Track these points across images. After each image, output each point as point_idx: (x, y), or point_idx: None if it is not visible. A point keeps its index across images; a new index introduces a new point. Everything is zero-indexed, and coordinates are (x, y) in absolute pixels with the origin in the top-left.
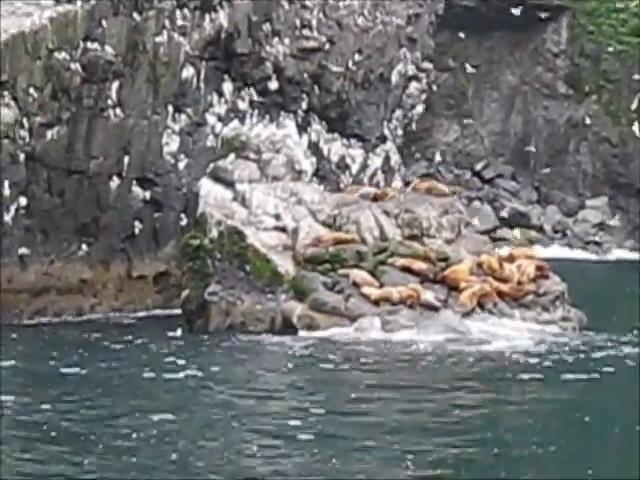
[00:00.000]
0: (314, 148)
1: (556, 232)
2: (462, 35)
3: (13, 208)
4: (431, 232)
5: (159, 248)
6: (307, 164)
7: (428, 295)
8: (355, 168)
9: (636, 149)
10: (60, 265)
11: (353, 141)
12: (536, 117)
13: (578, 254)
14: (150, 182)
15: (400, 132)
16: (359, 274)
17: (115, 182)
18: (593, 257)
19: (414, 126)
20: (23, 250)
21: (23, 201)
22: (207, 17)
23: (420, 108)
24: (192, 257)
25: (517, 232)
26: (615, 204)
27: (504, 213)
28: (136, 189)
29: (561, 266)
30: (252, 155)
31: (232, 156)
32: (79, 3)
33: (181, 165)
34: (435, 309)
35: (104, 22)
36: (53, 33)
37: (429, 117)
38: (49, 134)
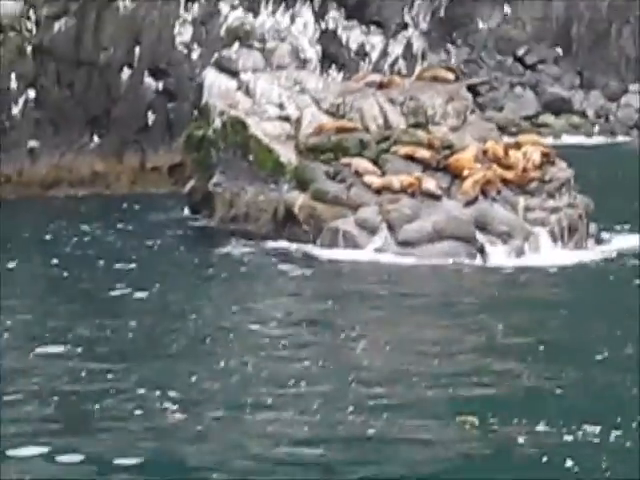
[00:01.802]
0: (332, 36)
1: (599, 117)
2: None
3: (21, 101)
4: (436, 119)
5: (173, 139)
6: (312, 52)
7: (429, 183)
8: (375, 55)
9: None
10: (71, 157)
11: (372, 28)
12: (577, 1)
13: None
14: (163, 72)
15: (427, 18)
16: (361, 163)
17: (126, 73)
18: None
19: (442, 12)
20: (33, 143)
21: (32, 93)
22: None
23: None
24: (196, 148)
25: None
26: None
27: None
28: (148, 80)
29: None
30: (256, 44)
31: (236, 45)
32: None
33: (194, 55)
34: (437, 198)
35: None
36: None
37: (470, 3)
38: (56, 26)
